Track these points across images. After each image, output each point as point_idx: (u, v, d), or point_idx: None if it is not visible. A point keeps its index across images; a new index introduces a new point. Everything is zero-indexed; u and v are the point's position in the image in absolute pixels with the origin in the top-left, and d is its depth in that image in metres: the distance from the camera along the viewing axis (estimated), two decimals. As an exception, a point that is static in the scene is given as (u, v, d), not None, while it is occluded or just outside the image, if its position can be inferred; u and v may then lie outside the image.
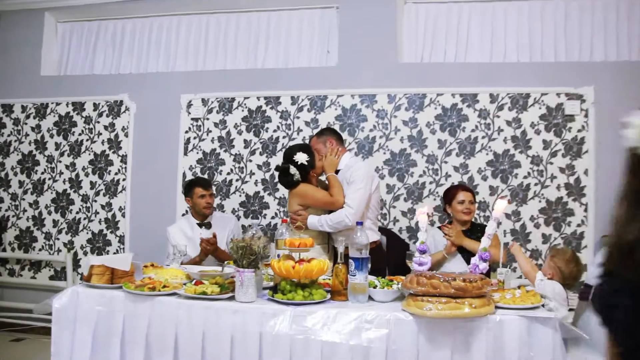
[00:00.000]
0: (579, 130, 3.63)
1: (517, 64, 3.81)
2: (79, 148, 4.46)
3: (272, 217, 4.07)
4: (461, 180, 3.77)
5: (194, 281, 2.46)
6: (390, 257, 3.54)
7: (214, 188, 4.10)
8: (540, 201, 3.67)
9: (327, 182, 3.11)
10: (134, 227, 4.30)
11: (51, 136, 4.53)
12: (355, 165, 3.07)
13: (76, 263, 4.38)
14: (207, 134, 4.22)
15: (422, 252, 2.23)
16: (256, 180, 4.13)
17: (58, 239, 4.47)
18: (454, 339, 2.00)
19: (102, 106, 4.44)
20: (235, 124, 4.18)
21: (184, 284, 2.43)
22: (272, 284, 2.48)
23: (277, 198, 4.07)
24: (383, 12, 3.94)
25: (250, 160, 4.14)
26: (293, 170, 2.99)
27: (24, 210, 4.56)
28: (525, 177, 3.70)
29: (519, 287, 2.33)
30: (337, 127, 3.91)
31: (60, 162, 4.49)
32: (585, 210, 3.60)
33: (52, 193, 4.50)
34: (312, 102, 4.05)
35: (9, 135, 4.63)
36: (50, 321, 2.43)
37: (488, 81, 3.77)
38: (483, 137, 3.77)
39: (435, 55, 4.00)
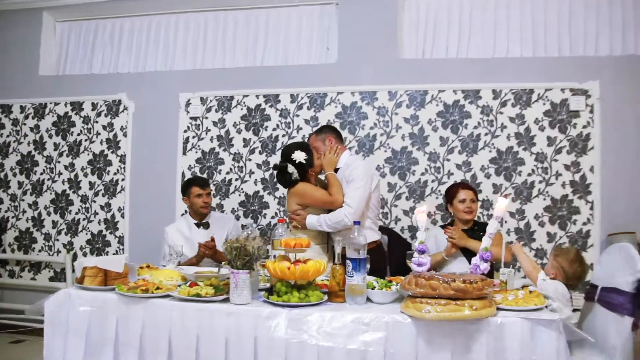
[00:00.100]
0: (584, 127, 3.55)
1: (520, 59, 3.73)
2: (78, 148, 4.43)
3: (272, 217, 4.01)
4: (464, 179, 3.70)
5: (189, 283, 2.42)
6: (391, 257, 3.49)
7: (212, 187, 4.07)
8: (544, 199, 3.59)
9: (326, 180, 3.05)
10: (133, 228, 4.26)
11: (50, 136, 4.50)
12: (355, 163, 3.01)
13: (75, 264, 4.34)
14: (206, 133, 4.17)
15: (421, 252, 2.16)
16: (256, 180, 4.07)
17: (57, 239, 4.44)
18: (454, 341, 1.94)
19: (101, 106, 4.40)
20: (234, 122, 4.13)
21: (179, 286, 2.38)
22: (268, 285, 2.43)
23: (276, 197, 4.02)
24: (383, 8, 3.87)
25: (250, 159, 4.09)
26: (291, 169, 2.94)
27: (24, 211, 4.53)
28: (529, 175, 3.62)
29: (522, 288, 2.27)
30: (337, 125, 3.85)
31: (59, 162, 4.46)
32: (591, 208, 3.52)
33: (51, 194, 4.47)
34: (312, 99, 4.00)
35: (7, 136, 4.60)
36: (50, 323, 2.38)
37: (491, 77, 3.69)
38: (486, 134, 3.70)
39: (436, 50, 3.93)
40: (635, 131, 3.48)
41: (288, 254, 2.34)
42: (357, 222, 2.33)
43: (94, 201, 4.37)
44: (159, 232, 3.55)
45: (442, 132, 3.77)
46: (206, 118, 4.18)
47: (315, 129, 3.69)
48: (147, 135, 4.27)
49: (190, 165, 4.19)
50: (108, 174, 4.35)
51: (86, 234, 4.38)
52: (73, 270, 4.32)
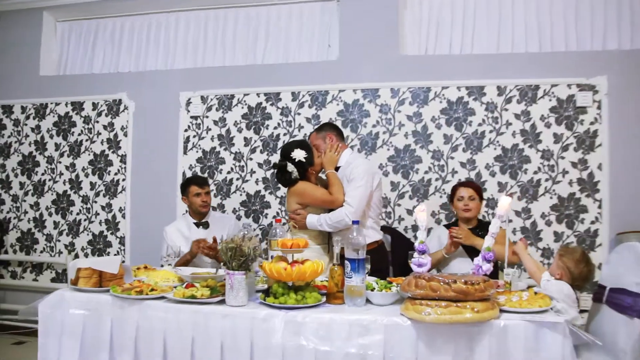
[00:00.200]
0: (591, 123, 3.47)
1: (526, 54, 3.65)
2: (79, 148, 4.40)
3: (274, 217, 3.95)
4: (468, 177, 3.63)
5: (185, 284, 2.37)
6: (394, 257, 3.43)
7: (212, 187, 4.03)
8: (551, 198, 3.51)
9: (326, 179, 3.00)
10: (134, 228, 4.22)
11: (51, 137, 4.47)
12: (355, 161, 2.95)
13: (77, 265, 4.31)
14: (207, 132, 4.13)
15: (422, 252, 2.10)
16: (257, 179, 4.02)
17: (59, 240, 4.42)
18: (455, 345, 1.87)
19: (101, 105, 4.37)
20: (235, 121, 4.08)
21: (175, 287, 2.33)
22: (266, 286, 2.38)
23: (278, 197, 3.97)
24: (385, 3, 3.81)
25: (251, 159, 4.04)
26: (290, 167, 2.88)
27: (25, 212, 4.51)
28: (535, 173, 3.54)
29: (528, 289, 2.20)
30: (339, 123, 3.78)
31: (60, 162, 4.44)
32: (600, 206, 3.43)
33: (52, 194, 4.45)
34: (313, 97, 3.94)
35: (9, 137, 4.59)
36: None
37: (495, 73, 3.61)
38: (491, 132, 3.62)
39: (439, 46, 3.86)
40: (644, 127, 3.40)
41: (286, 254, 2.29)
42: (355, 222, 2.27)
43: (95, 201, 4.34)
44: (160, 233, 3.50)
45: (445, 130, 3.70)
46: (207, 117, 4.14)
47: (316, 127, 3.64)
48: (148, 134, 4.23)
49: (191, 165, 4.15)
50: (109, 174, 4.32)
51: (87, 234, 4.35)
52: (74, 271, 4.30)
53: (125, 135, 4.29)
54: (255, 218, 4.01)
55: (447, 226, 3.10)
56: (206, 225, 3.33)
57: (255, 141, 4.04)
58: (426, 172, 3.72)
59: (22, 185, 4.53)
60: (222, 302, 2.16)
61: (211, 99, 4.13)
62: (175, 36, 4.39)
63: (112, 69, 4.51)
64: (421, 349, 1.89)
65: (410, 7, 3.91)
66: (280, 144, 3.95)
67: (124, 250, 4.25)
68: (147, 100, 4.25)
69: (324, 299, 2.19)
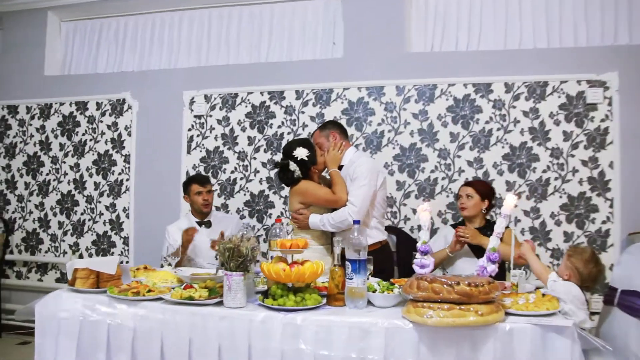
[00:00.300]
0: (602, 120, 3.37)
1: (534, 50, 3.56)
2: (83, 148, 4.39)
3: (278, 217, 3.89)
4: (475, 176, 3.56)
5: (184, 285, 2.33)
6: (400, 258, 3.37)
7: (215, 186, 3.99)
8: (561, 197, 3.42)
9: (330, 178, 2.94)
10: (138, 228, 4.20)
11: (55, 137, 4.47)
12: (359, 160, 2.89)
13: (81, 265, 4.30)
14: (210, 132, 4.09)
15: (424, 253, 2.03)
16: (261, 179, 3.98)
17: (64, 240, 4.41)
18: (459, 349, 1.81)
19: (105, 105, 4.36)
20: (239, 120, 4.04)
21: (173, 288, 2.29)
22: (266, 287, 2.33)
23: (282, 197, 3.92)
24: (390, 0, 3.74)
25: (255, 158, 4.00)
26: (293, 166, 2.83)
27: (30, 212, 4.51)
28: (544, 172, 3.45)
29: (535, 291, 2.13)
30: (343, 122, 3.74)
31: (64, 162, 4.43)
32: (611, 206, 3.34)
33: (57, 194, 4.44)
34: (318, 96, 3.88)
35: (14, 137, 4.59)
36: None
37: (503, 69, 3.53)
38: (498, 129, 3.54)
39: (446, 43, 3.78)
40: (657, 124, 3.30)
41: (285, 255, 2.24)
42: (356, 222, 2.21)
43: (99, 201, 4.32)
44: (163, 233, 3.48)
45: (452, 128, 3.62)
46: (210, 116, 4.10)
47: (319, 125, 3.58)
48: (151, 134, 4.21)
49: (194, 165, 4.11)
50: (113, 174, 4.30)
51: (92, 234, 4.33)
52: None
53: (129, 135, 4.27)
54: (260, 218, 3.96)
55: (454, 226, 3.03)
56: (208, 225, 3.30)
57: (259, 140, 3.99)
58: (432, 171, 3.65)
59: (27, 185, 4.53)
60: (221, 303, 2.11)
61: (215, 98, 4.10)
62: (179, 35, 4.37)
63: (116, 69, 4.50)
64: (423, 353, 1.83)
65: (415, 3, 3.84)
66: (284, 143, 3.90)
67: (127, 250, 4.23)
68: (150, 100, 4.23)
69: (325, 300, 2.13)
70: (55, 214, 4.44)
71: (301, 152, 2.83)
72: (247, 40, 4.20)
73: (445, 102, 3.64)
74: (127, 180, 4.25)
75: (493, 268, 1.98)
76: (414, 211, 3.66)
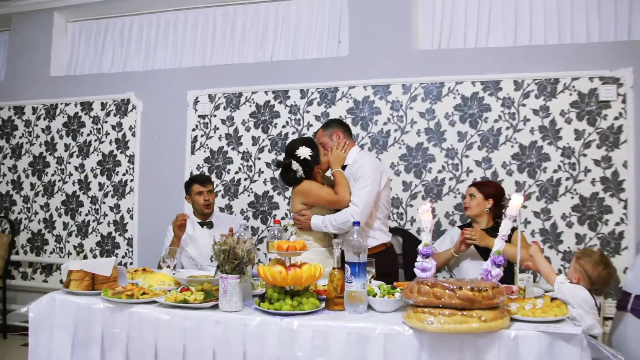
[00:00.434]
0: (615, 118, 3.25)
1: (544, 46, 3.45)
2: (88, 149, 4.37)
3: (282, 218, 3.85)
4: (484, 176, 3.46)
5: (181, 287, 2.27)
6: (406, 260, 3.28)
7: (219, 187, 3.95)
8: (572, 198, 3.31)
9: (333, 178, 2.87)
10: (142, 230, 4.16)
11: (60, 137, 4.46)
12: (362, 160, 2.82)
13: (85, 266, 4.28)
14: (215, 132, 4.05)
15: (426, 255, 1.95)
16: (265, 179, 3.92)
17: (68, 241, 4.39)
18: (461, 357, 1.72)
19: (110, 105, 4.34)
20: (243, 120, 3.99)
21: (169, 291, 2.23)
22: (264, 291, 2.26)
23: (287, 198, 3.85)
24: (396, -4, 3.67)
25: (259, 158, 3.94)
26: (295, 166, 2.76)
27: (36, 213, 4.50)
28: (555, 172, 3.34)
29: (544, 295, 2.04)
30: (348, 121, 3.67)
31: (69, 163, 4.42)
32: (625, 207, 3.22)
33: (62, 195, 4.43)
34: (323, 95, 3.82)
35: (20, 137, 4.59)
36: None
37: (512, 66, 3.43)
38: (507, 128, 3.44)
39: (453, 40, 3.69)
40: (673, 122, 3.18)
41: (284, 257, 2.18)
42: (356, 223, 2.13)
43: (104, 202, 4.30)
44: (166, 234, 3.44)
45: (460, 127, 3.53)
46: (214, 116, 4.05)
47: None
48: (156, 134, 4.17)
49: (198, 165, 4.07)
50: (117, 175, 4.27)
51: (96, 235, 4.31)
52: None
53: (134, 135, 4.25)
54: (264, 219, 3.91)
55: (462, 227, 2.95)
56: (210, 225, 3.25)
57: (263, 140, 3.94)
58: (439, 171, 3.56)
59: (32, 186, 4.52)
60: (216, 307, 2.05)
61: (219, 98, 4.05)
62: (184, 34, 4.34)
63: (121, 69, 4.48)
64: (424, 361, 1.75)
65: (422, -1, 3.76)
66: (288, 143, 3.84)
67: (131, 251, 4.20)
68: (155, 100, 4.20)
69: (323, 304, 2.06)
70: (60, 215, 4.42)
71: (304, 152, 2.76)
72: (252, 38, 4.16)
73: (453, 100, 3.55)
74: (132, 181, 4.22)
75: (498, 272, 1.89)
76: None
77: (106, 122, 4.34)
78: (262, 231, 3.86)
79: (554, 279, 2.02)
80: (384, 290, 2.07)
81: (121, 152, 4.27)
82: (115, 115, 4.31)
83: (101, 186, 4.31)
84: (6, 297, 4.34)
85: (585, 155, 3.29)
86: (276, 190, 3.90)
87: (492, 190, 2.92)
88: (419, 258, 1.95)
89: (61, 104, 4.47)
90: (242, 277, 2.05)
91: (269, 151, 3.92)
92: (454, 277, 2.90)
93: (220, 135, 4.03)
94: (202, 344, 1.98)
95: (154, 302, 2.12)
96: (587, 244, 3.25)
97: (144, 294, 2.14)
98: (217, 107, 4.05)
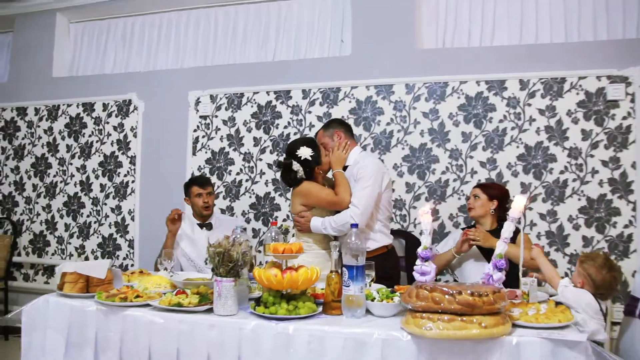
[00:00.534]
0: (624, 118, 3.17)
1: (551, 44, 3.38)
2: (89, 150, 4.35)
3: (284, 220, 3.80)
4: (488, 177, 3.39)
5: (176, 290, 2.23)
6: (409, 263, 3.22)
7: (220, 188, 3.91)
8: (579, 199, 3.23)
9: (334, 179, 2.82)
10: (143, 231, 4.13)
11: (62, 138, 4.44)
12: (364, 160, 2.77)
13: (87, 268, 4.26)
14: (216, 132, 4.01)
15: (425, 259, 1.89)
16: (266, 181, 3.87)
17: (70, 243, 4.37)
18: (461, 364, 1.66)
19: (111, 106, 4.31)
20: (245, 120, 3.94)
21: (164, 294, 2.19)
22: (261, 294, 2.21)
23: (288, 199, 3.80)
24: (399, -5, 3.61)
25: (260, 159, 3.90)
26: (296, 166, 2.71)
27: (38, 214, 4.49)
28: (561, 173, 3.27)
29: (549, 300, 1.97)
30: (351, 121, 3.61)
31: (71, 164, 4.40)
32: (633, 209, 3.13)
33: (63, 196, 4.41)
34: (325, 95, 3.77)
35: (23, 138, 4.58)
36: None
37: (517, 65, 3.35)
38: (513, 129, 3.37)
39: (458, 39, 3.63)
40: (683, 122, 3.09)
41: (282, 260, 2.13)
42: (354, 225, 2.08)
43: (105, 204, 4.27)
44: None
45: (464, 127, 3.46)
46: (216, 116, 4.02)
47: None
48: (157, 135, 4.14)
49: (200, 166, 4.03)
50: (118, 176, 4.25)
51: (97, 237, 4.29)
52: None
53: (135, 136, 4.22)
54: (265, 221, 3.86)
55: (465, 229, 2.89)
56: (209, 227, 3.21)
57: (264, 141, 3.89)
58: (443, 173, 3.49)
59: (35, 187, 4.51)
60: (211, 310, 2.01)
61: (220, 98, 4.01)
62: (186, 34, 4.31)
63: (123, 69, 4.46)
64: (422, 367, 1.69)
65: (426, -3, 3.70)
66: (290, 144, 3.80)
67: (133, 253, 4.17)
68: (156, 100, 4.17)
69: (320, 309, 2.01)
70: (62, 216, 4.40)
71: (305, 152, 2.72)
72: (253, 38, 4.12)
73: (457, 100, 3.49)
74: (133, 182, 4.20)
75: (499, 276, 1.83)
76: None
77: (108, 123, 4.31)
78: (264, 233, 3.82)
79: (557, 283, 1.96)
80: (383, 295, 2.01)
81: (122, 153, 4.25)
82: (116, 116, 4.29)
83: (102, 187, 4.29)
84: (8, 298, 4.33)
85: (592, 156, 3.21)
86: (278, 192, 3.85)
87: (496, 192, 2.87)
88: (418, 261, 1.90)
89: (63, 105, 4.46)
90: (237, 280, 2.00)
91: (271, 152, 3.87)
92: (456, 279, 2.84)
93: (222, 136, 3.99)
94: (196, 348, 1.94)
95: (148, 305, 2.08)
96: (594, 246, 3.17)
97: (137, 297, 2.10)
98: (218, 108, 4.02)
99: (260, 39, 4.11)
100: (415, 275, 1.89)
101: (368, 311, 1.98)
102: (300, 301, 1.95)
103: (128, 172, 4.22)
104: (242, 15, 4.16)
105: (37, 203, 4.49)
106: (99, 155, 4.32)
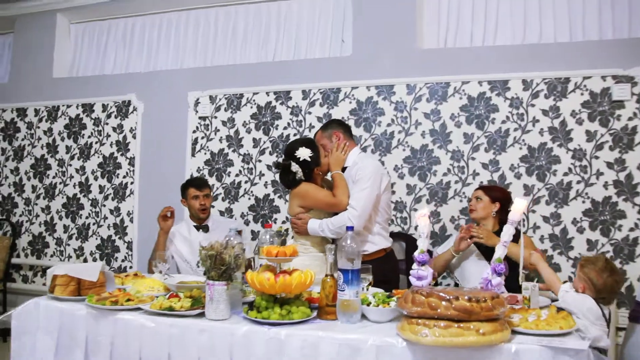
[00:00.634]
0: (629, 119, 3.10)
1: (554, 44, 3.32)
2: (89, 151, 4.32)
3: (283, 222, 3.75)
4: (491, 179, 3.33)
5: (169, 294, 2.19)
6: (409, 267, 3.16)
7: (219, 190, 3.87)
8: (584, 202, 3.16)
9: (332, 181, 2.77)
10: (142, 233, 4.09)
11: (62, 139, 4.42)
12: (362, 162, 2.71)
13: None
14: (215, 134, 3.97)
15: (422, 263, 1.84)
16: (266, 182, 3.83)
17: (69, 244, 4.34)
18: (458, 372, 1.60)
19: (111, 107, 4.29)
20: (244, 121, 3.90)
21: (156, 297, 2.15)
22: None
23: (287, 201, 3.75)
24: (401, -6, 3.56)
25: (260, 161, 3.85)
26: (295, 167, 2.66)
27: (37, 216, 4.47)
28: (565, 174, 3.20)
29: (550, 305, 1.91)
30: (351, 122, 3.57)
31: (70, 165, 4.38)
32: (639, 212, 3.06)
33: (62, 198, 4.38)
34: (325, 95, 3.72)
35: (22, 140, 4.57)
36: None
37: (521, 65, 3.29)
38: (515, 130, 3.31)
39: (460, 38, 3.57)
40: (691, 123, 3.02)
41: (277, 264, 2.08)
42: (350, 228, 2.03)
43: (104, 205, 4.24)
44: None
45: (466, 128, 3.40)
46: (215, 117, 3.98)
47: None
48: (156, 136, 4.11)
49: (199, 167, 4.00)
50: (117, 177, 4.22)
51: (96, 239, 4.26)
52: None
53: (134, 137, 4.19)
54: (264, 223, 3.81)
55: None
56: (206, 229, 3.17)
57: (264, 142, 3.85)
58: (445, 174, 3.43)
59: (34, 188, 4.49)
60: (203, 315, 1.96)
61: (220, 99, 3.98)
62: (186, 34, 4.28)
63: (123, 70, 4.43)
64: (418, 375, 1.63)
65: (428, -4, 3.65)
66: (289, 145, 3.75)
67: (131, 255, 4.13)
68: (156, 101, 4.14)
69: (315, 313, 1.96)
70: (60, 218, 4.38)
71: (304, 153, 2.66)
72: (254, 38, 4.08)
73: (459, 100, 3.43)
74: (132, 183, 4.16)
75: (498, 281, 1.77)
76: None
77: (107, 124, 4.29)
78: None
79: (558, 288, 1.90)
80: (379, 299, 1.96)
81: (122, 155, 4.22)
82: (116, 117, 4.26)
83: (101, 189, 4.26)
84: (7, 300, 4.30)
85: (597, 157, 3.15)
86: (277, 194, 3.81)
87: (499, 194, 2.82)
88: (414, 265, 1.84)
89: (63, 105, 4.44)
90: (229, 283, 1.95)
91: (270, 153, 3.83)
92: (457, 282, 2.78)
93: (221, 137, 3.95)
94: (187, 353, 1.89)
95: (140, 309, 2.03)
96: (599, 250, 3.10)
97: (128, 300, 2.05)
98: (217, 109, 3.98)
99: (260, 39, 4.07)
100: (412, 279, 1.84)
101: (364, 316, 1.93)
102: (294, 306, 1.90)
103: (127, 173, 4.19)
104: (242, 15, 4.13)
105: (37, 204, 4.47)
106: (98, 157, 4.29)
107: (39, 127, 4.51)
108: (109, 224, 4.22)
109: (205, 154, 3.99)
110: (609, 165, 3.12)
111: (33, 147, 4.52)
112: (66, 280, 2.17)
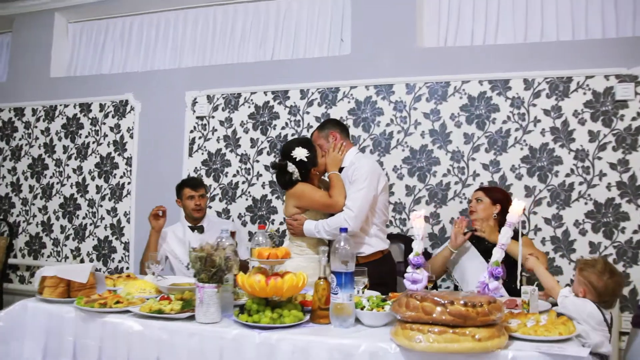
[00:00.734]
0: (633, 119, 3.04)
1: (556, 42, 3.25)
2: (86, 151, 4.29)
3: (280, 223, 3.71)
4: (491, 180, 3.27)
5: (160, 296, 2.15)
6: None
7: (216, 190, 3.83)
8: (586, 203, 3.10)
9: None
10: (138, 233, 4.04)
11: (59, 139, 4.39)
12: (359, 162, 2.67)
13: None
14: (213, 133, 3.93)
15: (417, 266, 1.78)
16: (263, 183, 3.78)
17: (65, 245, 4.31)
18: (452, 379, 1.55)
19: (108, 107, 4.25)
20: (242, 121, 3.86)
21: (147, 299, 2.10)
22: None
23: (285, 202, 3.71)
24: (400, -8, 3.51)
25: (257, 161, 3.81)
26: (291, 167, 2.62)
27: (34, 216, 4.43)
28: (567, 176, 3.14)
29: (550, 310, 1.85)
30: (350, 122, 3.53)
31: (67, 165, 4.34)
32: (643, 213, 3.01)
33: (60, 198, 4.35)
34: (323, 95, 3.67)
35: (20, 139, 4.54)
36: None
37: (522, 64, 3.23)
38: (517, 130, 3.25)
39: (460, 37, 3.51)
40: (696, 123, 2.95)
41: (272, 266, 2.04)
42: (343, 229, 1.98)
43: (101, 205, 4.21)
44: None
45: (466, 128, 3.35)
46: (212, 117, 3.93)
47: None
48: (154, 136, 4.07)
49: (196, 168, 3.95)
50: (114, 177, 4.18)
51: (93, 239, 4.22)
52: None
53: (131, 137, 4.15)
54: (262, 224, 3.76)
55: (465, 234, 2.77)
56: (201, 230, 3.13)
57: (262, 142, 3.80)
58: (445, 175, 3.38)
59: (31, 188, 4.46)
60: (193, 318, 1.91)
61: (217, 98, 3.93)
62: (184, 34, 4.23)
63: (121, 69, 4.40)
64: (411, 382, 1.58)
65: (428, -6, 3.59)
66: (287, 145, 3.70)
67: (128, 256, 4.09)
68: (153, 101, 4.10)
69: (308, 317, 1.91)
70: (57, 218, 4.35)
71: (300, 153, 2.63)
72: (252, 37, 4.03)
73: (459, 100, 3.37)
74: (129, 183, 4.12)
75: (496, 285, 1.72)
76: (425, 218, 3.38)
77: (104, 123, 4.25)
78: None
79: (557, 293, 1.84)
80: (373, 303, 1.91)
81: (119, 155, 4.18)
82: (113, 117, 4.23)
83: (98, 189, 4.22)
84: (3, 300, 4.26)
85: (600, 158, 3.08)
86: (275, 194, 3.76)
87: (500, 196, 2.76)
88: (409, 269, 1.79)
89: (60, 105, 4.41)
90: (220, 286, 1.91)
91: (268, 154, 3.78)
92: (456, 283, 2.72)
93: (219, 137, 3.91)
94: (176, 356, 1.84)
95: (129, 311, 1.99)
96: (601, 253, 3.04)
97: (118, 302, 2.01)
98: (215, 108, 3.93)
99: (258, 38, 4.03)
100: (406, 283, 1.78)
101: (358, 320, 1.88)
102: (285, 309, 1.85)
103: (124, 173, 4.15)
104: (241, 14, 4.09)
105: (34, 204, 4.44)
106: (95, 157, 4.25)
107: (36, 127, 4.48)
108: (105, 225, 4.19)
109: (202, 154, 3.94)
110: (612, 166, 3.06)
111: (30, 146, 4.49)
112: (55, 281, 2.13)
